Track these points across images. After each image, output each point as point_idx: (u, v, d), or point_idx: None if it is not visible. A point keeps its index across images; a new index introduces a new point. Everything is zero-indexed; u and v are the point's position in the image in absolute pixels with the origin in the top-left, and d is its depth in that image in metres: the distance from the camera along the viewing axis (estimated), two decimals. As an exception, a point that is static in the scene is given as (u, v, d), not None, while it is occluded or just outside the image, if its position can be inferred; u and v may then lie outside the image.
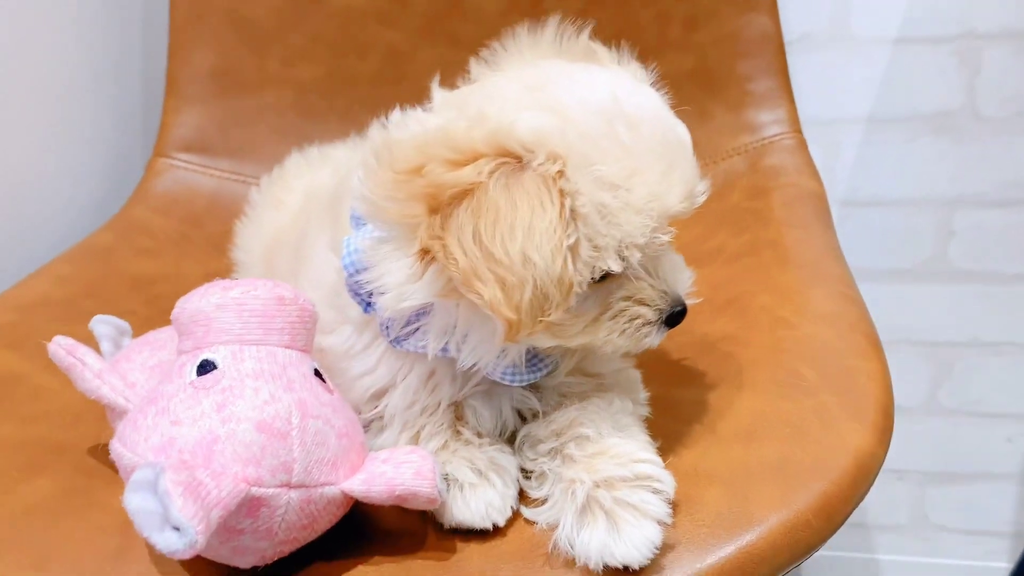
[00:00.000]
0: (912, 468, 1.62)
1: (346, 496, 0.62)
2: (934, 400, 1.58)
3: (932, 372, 1.56)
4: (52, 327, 1.01)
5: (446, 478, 0.67)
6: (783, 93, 1.22)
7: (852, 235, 1.50)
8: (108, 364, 0.73)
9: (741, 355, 0.83)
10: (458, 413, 0.73)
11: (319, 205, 0.84)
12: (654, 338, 0.67)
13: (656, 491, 0.63)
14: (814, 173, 1.16)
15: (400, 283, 0.63)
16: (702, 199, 0.67)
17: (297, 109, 1.39)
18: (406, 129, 0.65)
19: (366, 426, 0.73)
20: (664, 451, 0.70)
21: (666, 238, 0.65)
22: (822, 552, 0.66)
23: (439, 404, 0.72)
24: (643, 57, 1.29)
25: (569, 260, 0.58)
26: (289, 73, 1.39)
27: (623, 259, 0.61)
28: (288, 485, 0.59)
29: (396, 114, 0.69)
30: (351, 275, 0.67)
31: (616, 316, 0.66)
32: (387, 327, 0.68)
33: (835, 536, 0.65)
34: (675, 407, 0.77)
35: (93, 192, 1.39)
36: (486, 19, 1.36)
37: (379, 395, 0.72)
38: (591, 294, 0.64)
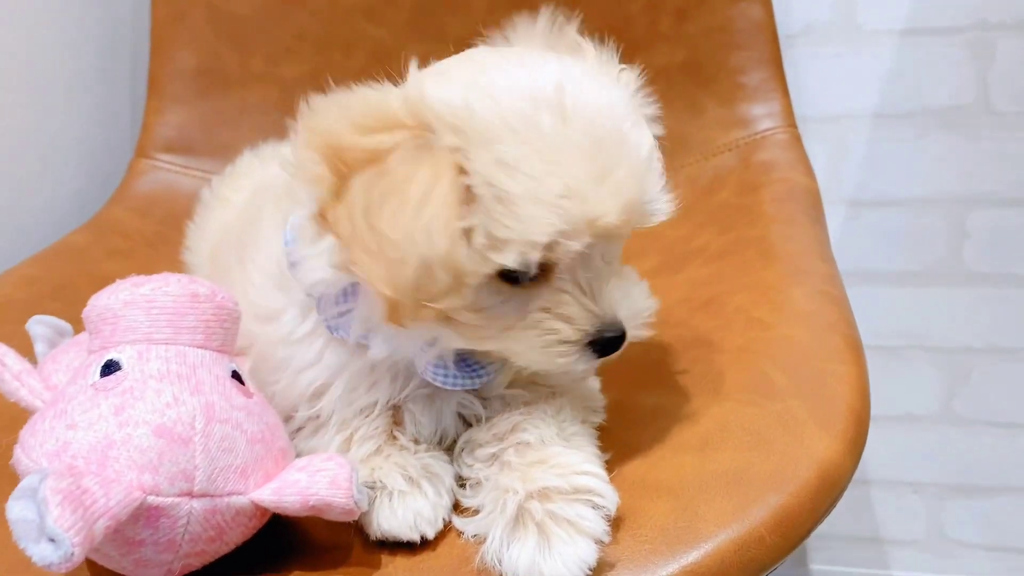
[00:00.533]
0: (927, 480, 1.54)
1: (258, 507, 0.58)
2: (949, 409, 1.50)
3: (947, 380, 1.49)
4: (9, 328, 0.99)
5: (374, 485, 0.63)
6: (777, 86, 1.17)
7: (860, 236, 1.44)
8: (33, 366, 0.70)
9: (711, 358, 0.77)
10: (396, 418, 0.69)
11: (272, 195, 0.80)
12: (577, 362, 0.61)
13: (596, 506, 0.58)
14: (807, 168, 1.10)
15: (309, 254, 0.60)
16: (655, 219, 0.61)
17: (282, 108, 1.36)
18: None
19: (301, 427, 0.69)
20: (613, 461, 0.65)
21: (599, 251, 0.59)
22: (833, 568, 0.61)
23: (376, 404, 0.67)
24: (633, 50, 1.24)
25: (462, 244, 0.54)
26: (273, 71, 1.36)
27: (523, 259, 0.55)
28: (190, 494, 0.55)
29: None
30: (290, 250, 0.63)
31: (532, 328, 0.60)
32: (320, 307, 0.65)
33: (848, 550, 0.60)
34: (632, 414, 0.72)
35: (77, 193, 1.37)
36: (474, 14, 1.32)
37: (321, 392, 0.67)
38: (509, 298, 0.59)
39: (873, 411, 0.76)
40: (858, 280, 1.45)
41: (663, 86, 1.22)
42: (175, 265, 1.18)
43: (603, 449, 0.65)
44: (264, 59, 1.36)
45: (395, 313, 0.56)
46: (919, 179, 1.40)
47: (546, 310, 0.60)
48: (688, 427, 0.68)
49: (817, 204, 1.05)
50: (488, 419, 0.68)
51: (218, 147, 1.37)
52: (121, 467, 0.54)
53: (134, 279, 0.62)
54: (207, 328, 0.61)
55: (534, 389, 0.70)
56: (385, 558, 0.61)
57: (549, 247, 0.56)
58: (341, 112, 0.57)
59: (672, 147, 1.21)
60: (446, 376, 0.65)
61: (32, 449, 0.57)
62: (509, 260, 0.55)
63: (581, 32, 0.70)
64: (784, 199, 1.04)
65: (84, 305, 1.06)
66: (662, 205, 0.61)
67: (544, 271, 0.59)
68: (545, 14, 0.69)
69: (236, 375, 0.62)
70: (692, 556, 0.57)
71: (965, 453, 1.51)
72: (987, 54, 1.33)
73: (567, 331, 0.60)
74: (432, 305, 0.56)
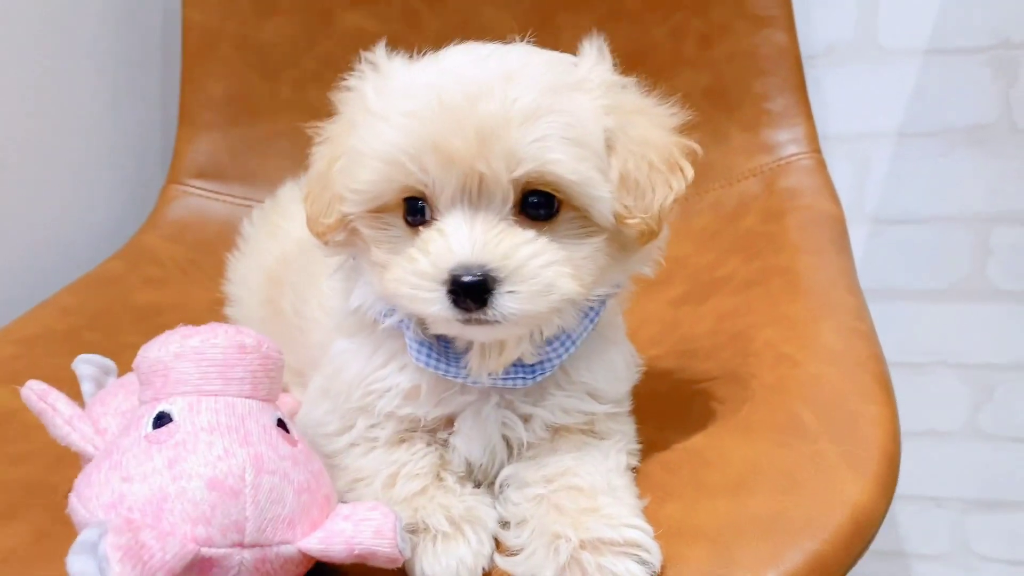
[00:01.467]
0: (951, 495, 1.55)
1: (304, 555, 0.60)
2: (974, 424, 1.50)
3: (972, 395, 1.49)
4: (51, 361, 1.01)
5: (416, 528, 0.64)
6: (801, 111, 1.18)
7: (884, 254, 1.45)
8: (82, 410, 0.72)
9: (741, 395, 0.78)
10: (443, 461, 0.71)
11: None
12: (433, 303, 0.62)
13: (643, 562, 0.60)
14: (832, 194, 1.11)
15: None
16: (530, 165, 0.62)
17: (308, 134, 1.38)
18: None
19: (355, 444, 0.72)
20: (651, 504, 0.66)
21: (469, 193, 0.63)
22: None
23: (425, 415, 0.71)
24: (657, 75, 1.25)
25: (334, 168, 0.68)
26: (301, 98, 1.38)
27: (376, 173, 0.64)
28: (241, 544, 0.57)
29: None
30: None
31: (405, 259, 0.65)
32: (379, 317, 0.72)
33: (872, 564, 0.61)
34: (666, 455, 0.73)
35: (111, 218, 1.40)
36: (498, 37, 1.32)
37: (413, 394, 0.71)
38: (403, 234, 0.67)
39: (897, 426, 0.78)
40: (883, 297, 1.46)
41: (687, 111, 1.24)
42: (210, 293, 1.20)
43: (640, 495, 0.67)
44: (292, 86, 1.38)
45: (311, 223, 0.71)
46: (943, 197, 1.41)
47: (420, 246, 0.64)
48: (721, 469, 0.69)
49: (842, 232, 1.05)
50: (530, 445, 0.71)
51: (247, 173, 1.39)
52: (176, 520, 0.56)
53: (183, 330, 0.64)
54: (254, 378, 0.63)
55: (575, 412, 0.72)
56: (428, 603, 0.63)
57: (401, 169, 0.64)
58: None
59: (696, 173, 1.22)
60: (428, 357, 0.68)
61: (88, 500, 0.59)
62: (364, 173, 0.65)
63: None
64: (809, 227, 1.05)
65: (122, 335, 1.10)
66: (543, 153, 0.62)
67: (431, 211, 0.65)
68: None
69: (281, 423, 0.64)
70: (729, 603, 0.59)
71: (989, 468, 1.52)
72: (1010, 72, 1.34)
73: (425, 264, 0.63)
74: (325, 221, 0.69)
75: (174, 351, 0.62)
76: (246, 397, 0.63)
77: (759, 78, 1.19)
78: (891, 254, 1.45)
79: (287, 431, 0.64)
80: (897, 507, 1.58)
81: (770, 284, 0.95)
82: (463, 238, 0.62)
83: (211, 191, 1.38)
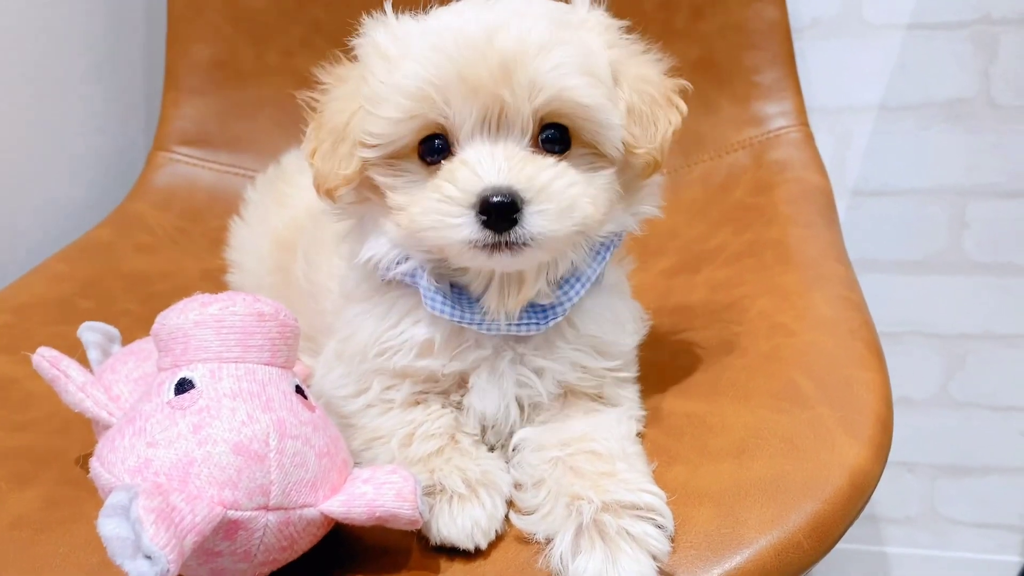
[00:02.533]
0: (923, 461, 1.60)
1: (326, 517, 0.61)
2: (946, 393, 1.55)
3: (944, 364, 1.54)
4: (47, 329, 1.01)
5: (433, 490, 0.66)
6: (790, 84, 1.20)
7: (863, 225, 1.48)
8: (93, 376, 0.72)
9: (739, 364, 0.81)
10: (457, 423, 0.72)
11: None
12: (464, 227, 0.65)
13: (659, 526, 0.62)
14: (820, 167, 1.13)
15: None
16: (550, 92, 0.66)
17: (297, 101, 1.37)
18: None
19: (372, 405, 0.73)
20: (658, 468, 0.69)
21: (489, 121, 0.66)
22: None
23: (441, 368, 0.72)
24: (648, 47, 1.26)
25: (358, 116, 0.69)
26: (288, 64, 1.37)
27: (399, 109, 0.66)
28: (266, 508, 0.58)
29: None
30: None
31: (430, 190, 0.67)
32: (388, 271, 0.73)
33: None
34: (669, 420, 0.75)
35: (95, 185, 1.39)
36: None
37: (427, 349, 0.73)
38: (422, 175, 0.69)
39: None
40: (860, 268, 1.47)
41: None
42: (202, 262, 1.20)
43: (648, 459, 0.69)
44: (280, 52, 1.37)
45: (320, 180, 0.71)
46: (921, 170, 1.43)
47: (446, 176, 0.66)
48: (723, 434, 0.72)
49: (830, 204, 1.08)
50: (543, 415, 0.73)
51: (234, 139, 1.38)
52: (203, 483, 0.57)
53: (201, 298, 0.65)
54: (273, 346, 0.64)
55: (583, 374, 0.74)
56: (444, 563, 0.65)
57: (427, 102, 0.66)
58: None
59: (686, 144, 1.24)
60: (444, 304, 0.70)
61: (113, 465, 0.59)
62: (388, 111, 0.67)
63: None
64: (798, 200, 1.07)
65: (116, 302, 1.10)
66: (561, 80, 0.66)
67: (448, 148, 0.68)
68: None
69: (299, 389, 0.65)
70: (735, 561, 0.61)
71: (959, 435, 1.56)
72: (990, 49, 1.36)
73: (452, 191, 0.65)
74: (342, 172, 0.70)
75: (194, 319, 0.63)
76: (265, 364, 0.64)
77: (749, 51, 1.20)
78: (870, 226, 1.48)
79: (304, 397, 0.65)
80: (869, 472, 1.62)
81: (762, 255, 0.98)
82: (489, 164, 0.65)
83: (198, 158, 1.37)
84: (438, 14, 0.71)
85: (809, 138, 1.17)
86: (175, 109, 1.38)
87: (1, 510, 0.72)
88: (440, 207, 0.65)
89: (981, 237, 1.45)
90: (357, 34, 0.73)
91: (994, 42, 1.36)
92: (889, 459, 1.65)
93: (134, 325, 1.05)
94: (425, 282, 0.71)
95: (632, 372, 0.77)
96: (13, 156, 1.22)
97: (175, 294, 1.14)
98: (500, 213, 0.64)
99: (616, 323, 0.76)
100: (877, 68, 1.40)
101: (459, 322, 0.71)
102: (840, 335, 0.81)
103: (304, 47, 1.37)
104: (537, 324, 0.71)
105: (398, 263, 0.72)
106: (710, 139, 1.22)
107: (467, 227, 0.64)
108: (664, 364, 0.84)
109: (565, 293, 0.72)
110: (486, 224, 0.64)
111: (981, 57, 1.36)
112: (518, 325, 0.71)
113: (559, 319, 0.72)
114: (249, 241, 1.07)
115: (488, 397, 0.72)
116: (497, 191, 0.64)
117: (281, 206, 1.02)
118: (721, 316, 0.90)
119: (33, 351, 0.95)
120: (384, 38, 0.70)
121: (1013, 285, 1.46)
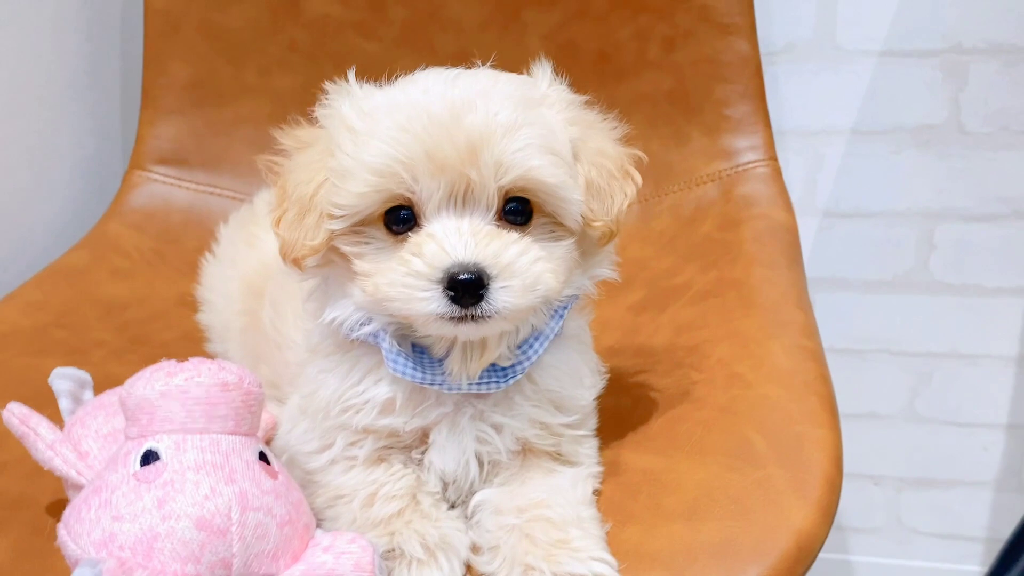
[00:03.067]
0: (888, 474, 1.63)
1: (287, 585, 0.63)
2: (911, 409, 1.59)
3: (910, 381, 1.57)
4: (21, 361, 1.02)
5: (393, 553, 0.68)
6: (760, 119, 1.21)
7: (835, 245, 1.51)
8: (62, 433, 0.74)
9: (695, 416, 0.83)
10: (419, 481, 0.74)
11: None
12: (430, 302, 0.67)
13: None
14: (787, 204, 1.15)
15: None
16: (516, 172, 0.68)
17: (274, 120, 1.37)
18: None
19: (335, 461, 0.75)
20: (613, 528, 0.71)
21: (456, 197, 0.68)
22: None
23: (403, 426, 0.74)
24: (620, 76, 1.27)
25: (324, 187, 0.70)
26: (266, 83, 1.38)
27: (366, 184, 0.68)
28: (228, 579, 0.60)
29: None
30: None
31: (397, 263, 0.68)
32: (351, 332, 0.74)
33: None
34: (624, 477, 0.78)
35: (71, 204, 1.39)
36: (465, 30, 1.34)
37: (388, 408, 0.74)
38: (388, 243, 0.70)
39: (840, 409, 0.84)
40: (830, 287, 1.52)
41: (649, 113, 1.27)
42: (177, 286, 1.21)
43: (604, 518, 0.72)
44: (257, 71, 1.38)
45: (285, 249, 0.73)
46: (891, 193, 1.46)
47: (412, 250, 0.68)
48: (677, 493, 0.74)
49: (795, 242, 1.10)
50: (501, 475, 0.75)
51: (211, 159, 1.39)
52: (166, 559, 0.59)
53: (168, 367, 0.66)
54: (236, 415, 0.66)
55: (541, 432, 0.76)
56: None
57: (394, 179, 0.68)
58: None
59: (656, 174, 1.26)
60: (405, 366, 0.72)
61: (79, 536, 0.61)
62: (355, 186, 0.68)
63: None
64: (764, 237, 1.09)
65: (91, 331, 1.11)
66: (526, 161, 0.68)
67: (415, 219, 0.70)
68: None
69: (263, 456, 0.67)
70: (683, 628, 0.64)
71: (924, 449, 1.60)
72: (960, 77, 1.38)
73: (420, 265, 0.67)
74: (309, 243, 0.71)
75: (159, 389, 0.65)
76: (229, 433, 0.66)
77: (720, 84, 1.22)
78: (840, 246, 1.51)
79: (268, 463, 0.67)
80: (837, 483, 1.66)
81: (725, 296, 1.00)
82: (456, 239, 0.67)
83: (174, 178, 1.37)
84: (403, 87, 0.72)
85: (777, 173, 1.19)
86: (152, 128, 1.38)
87: (-28, 560, 0.74)
88: (407, 280, 0.67)
89: (948, 259, 1.48)
90: (321, 103, 0.74)
91: (964, 70, 1.38)
92: (855, 472, 1.70)
93: (108, 356, 1.07)
94: (388, 344, 0.72)
95: (590, 427, 0.80)
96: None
97: (150, 321, 1.17)
98: (467, 290, 0.66)
99: (574, 377, 0.78)
100: (850, 93, 1.42)
101: (422, 383, 0.72)
102: (795, 388, 0.83)
103: (281, 66, 1.37)
104: (498, 383, 0.73)
105: (362, 324, 0.74)
106: (680, 170, 1.23)
107: (434, 301, 0.66)
108: (625, 412, 0.86)
109: (524, 352, 0.74)
110: (453, 300, 0.66)
111: (951, 85, 1.39)
112: (479, 384, 0.73)
113: (519, 377, 0.74)
114: (220, 281, 1.08)
115: (448, 454, 0.74)
116: (464, 268, 0.66)
117: (251, 247, 1.03)
118: (683, 361, 0.92)
119: (7, 384, 0.97)
120: (350, 111, 0.71)
121: (978, 305, 1.49)
